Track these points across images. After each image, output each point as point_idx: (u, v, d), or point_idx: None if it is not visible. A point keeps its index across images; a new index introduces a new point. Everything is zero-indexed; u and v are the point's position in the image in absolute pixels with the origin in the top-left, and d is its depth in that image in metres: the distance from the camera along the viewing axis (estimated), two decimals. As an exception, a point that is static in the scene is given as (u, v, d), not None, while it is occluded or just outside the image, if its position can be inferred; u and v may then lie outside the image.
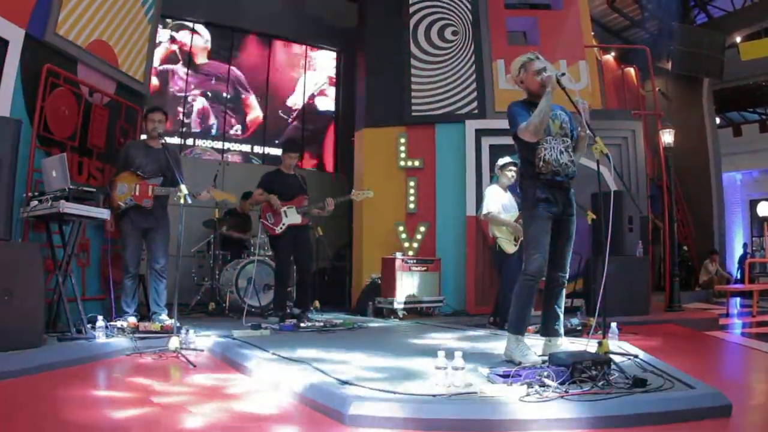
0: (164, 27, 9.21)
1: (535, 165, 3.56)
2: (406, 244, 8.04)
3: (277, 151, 10.19)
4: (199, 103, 9.91)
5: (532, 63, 3.67)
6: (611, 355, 3.21)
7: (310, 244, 6.29)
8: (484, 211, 5.59)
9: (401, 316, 6.90)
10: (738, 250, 16.71)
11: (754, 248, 17.37)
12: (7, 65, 4.52)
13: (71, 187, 4.19)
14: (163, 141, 4.99)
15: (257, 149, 10.43)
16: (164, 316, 5.08)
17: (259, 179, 6.28)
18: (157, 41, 7.31)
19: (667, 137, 8.56)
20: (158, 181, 5.12)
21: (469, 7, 8.51)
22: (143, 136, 5.61)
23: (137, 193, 5.06)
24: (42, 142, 4.87)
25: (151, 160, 5.14)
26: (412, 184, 8.21)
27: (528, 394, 2.57)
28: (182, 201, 4.40)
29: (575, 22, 8.54)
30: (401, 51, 8.49)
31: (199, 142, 9.89)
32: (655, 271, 10.61)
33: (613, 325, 4.29)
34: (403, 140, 8.29)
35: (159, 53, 9.12)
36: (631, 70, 12.89)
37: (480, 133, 7.96)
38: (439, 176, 8.14)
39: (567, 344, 3.74)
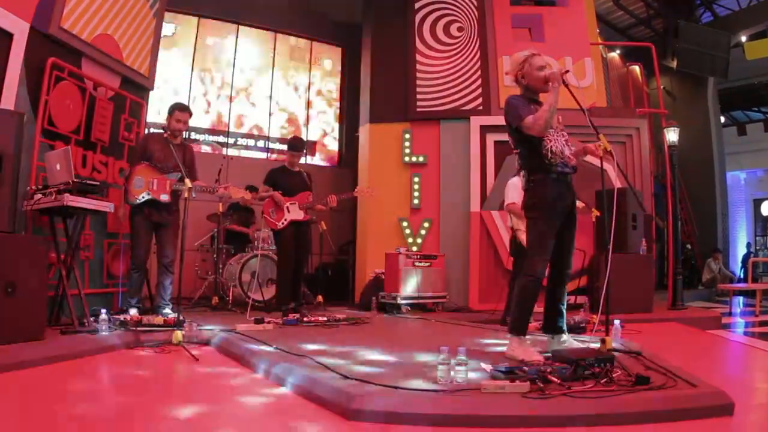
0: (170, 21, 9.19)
1: (544, 157, 3.50)
2: (410, 240, 8.04)
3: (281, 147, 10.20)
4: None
5: (535, 58, 3.64)
6: (614, 353, 3.21)
7: (309, 239, 6.32)
8: (508, 201, 5.57)
9: (404, 311, 6.91)
10: (741, 249, 16.69)
11: (757, 247, 17.37)
12: (12, 58, 4.50)
13: (75, 180, 4.20)
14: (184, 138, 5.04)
15: (260, 144, 10.43)
16: (168, 310, 5.10)
17: (265, 176, 6.32)
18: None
19: (672, 135, 8.53)
20: (176, 176, 5.14)
21: (475, 3, 8.48)
22: (155, 130, 5.61)
23: (155, 188, 5.09)
24: (46, 135, 4.88)
25: (170, 155, 5.17)
26: (416, 179, 8.21)
27: (531, 391, 2.56)
28: (186, 194, 4.42)
29: (580, 19, 8.51)
30: (406, 47, 8.48)
31: (203, 136, 9.90)
32: (658, 269, 10.58)
33: (616, 322, 4.28)
34: (407, 136, 8.28)
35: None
36: (636, 68, 12.84)
37: (485, 130, 7.95)
38: (444, 172, 8.13)
39: (570, 341, 3.73)
